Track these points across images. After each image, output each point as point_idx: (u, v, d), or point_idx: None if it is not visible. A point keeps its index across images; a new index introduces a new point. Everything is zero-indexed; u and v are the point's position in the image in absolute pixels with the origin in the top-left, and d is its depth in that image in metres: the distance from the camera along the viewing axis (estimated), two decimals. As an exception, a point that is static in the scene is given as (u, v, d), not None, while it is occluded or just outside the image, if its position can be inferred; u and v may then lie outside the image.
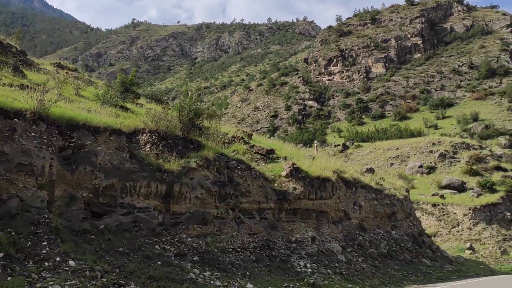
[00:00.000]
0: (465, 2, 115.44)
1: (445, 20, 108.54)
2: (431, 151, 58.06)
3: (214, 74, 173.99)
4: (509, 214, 42.65)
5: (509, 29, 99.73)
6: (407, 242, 20.74)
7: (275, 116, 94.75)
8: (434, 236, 41.67)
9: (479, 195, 45.34)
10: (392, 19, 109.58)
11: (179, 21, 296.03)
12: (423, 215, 44.16)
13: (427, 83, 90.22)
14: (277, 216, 15.46)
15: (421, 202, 44.99)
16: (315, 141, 31.00)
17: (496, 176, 49.53)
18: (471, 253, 32.55)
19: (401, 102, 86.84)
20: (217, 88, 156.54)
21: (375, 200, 20.24)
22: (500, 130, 66.32)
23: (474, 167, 51.63)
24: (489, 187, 45.84)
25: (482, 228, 40.41)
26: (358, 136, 73.30)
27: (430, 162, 55.55)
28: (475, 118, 71.34)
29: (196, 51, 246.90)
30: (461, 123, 70.72)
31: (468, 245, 33.50)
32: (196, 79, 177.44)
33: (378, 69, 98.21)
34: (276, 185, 16.24)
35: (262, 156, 18.62)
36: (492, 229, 40.22)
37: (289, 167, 16.49)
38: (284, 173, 16.43)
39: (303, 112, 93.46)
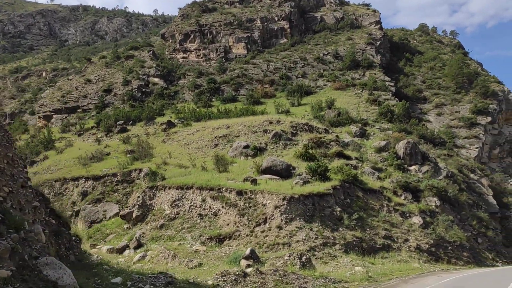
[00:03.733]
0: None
1: (316, 10, 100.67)
2: (265, 131, 44.93)
3: (79, 57, 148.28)
4: (339, 209, 30.00)
5: (378, 26, 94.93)
6: None
7: (108, 90, 76.23)
8: (230, 238, 27.18)
9: (305, 182, 32.23)
10: (261, 0, 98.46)
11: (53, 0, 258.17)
12: (223, 207, 29.54)
13: (288, 69, 79.62)
14: None
15: (223, 189, 30.46)
16: None
17: (337, 163, 37.84)
18: (248, 265, 18.05)
19: (257, 86, 74.61)
20: (75, 70, 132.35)
21: None
22: (354, 119, 56.73)
23: (312, 151, 39.32)
24: (321, 174, 33.22)
25: (297, 228, 26.97)
26: (194, 115, 58.44)
27: (260, 143, 42.21)
28: (330, 106, 61.54)
29: (68, 33, 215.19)
30: (315, 110, 60.15)
31: (248, 251, 19.13)
32: (58, 60, 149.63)
33: (238, 49, 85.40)
34: None
35: None
36: (311, 229, 27.00)
37: None
38: None
39: (143, 89, 76.31)
